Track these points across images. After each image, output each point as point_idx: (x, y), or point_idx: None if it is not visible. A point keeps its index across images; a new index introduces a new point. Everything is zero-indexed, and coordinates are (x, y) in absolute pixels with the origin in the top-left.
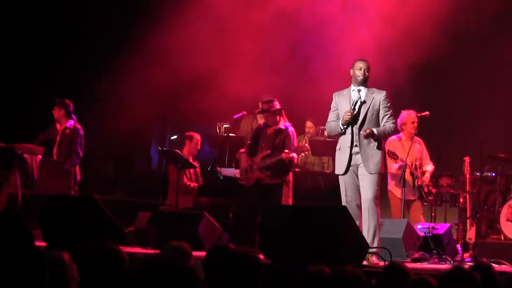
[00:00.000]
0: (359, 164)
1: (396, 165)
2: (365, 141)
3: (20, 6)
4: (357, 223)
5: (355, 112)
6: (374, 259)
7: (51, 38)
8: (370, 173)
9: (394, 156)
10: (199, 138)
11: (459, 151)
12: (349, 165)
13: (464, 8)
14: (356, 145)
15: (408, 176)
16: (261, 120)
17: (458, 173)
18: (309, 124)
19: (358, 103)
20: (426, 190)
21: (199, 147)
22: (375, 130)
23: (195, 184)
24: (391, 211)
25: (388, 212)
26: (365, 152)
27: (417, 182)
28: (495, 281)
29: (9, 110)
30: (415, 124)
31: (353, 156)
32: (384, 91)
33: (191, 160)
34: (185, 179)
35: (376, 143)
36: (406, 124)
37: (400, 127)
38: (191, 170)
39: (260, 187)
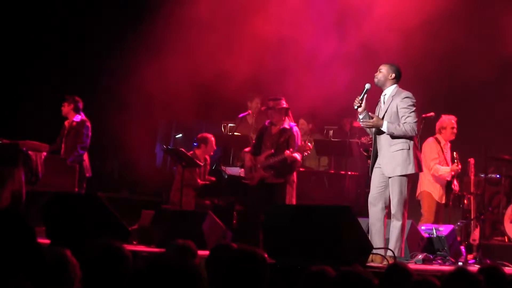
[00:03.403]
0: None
1: (448, 168)
2: (384, 143)
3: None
4: (379, 225)
5: (360, 99)
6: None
7: (55, 34)
8: (390, 176)
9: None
10: (213, 139)
11: (464, 153)
12: (373, 165)
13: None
14: (377, 151)
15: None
16: (251, 119)
17: (462, 174)
18: (302, 121)
19: (364, 92)
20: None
21: (215, 147)
22: (385, 124)
23: (202, 181)
24: (422, 212)
25: (417, 213)
26: (384, 154)
27: (453, 186)
28: (503, 283)
29: (14, 107)
30: (455, 130)
31: (379, 158)
32: (405, 92)
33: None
34: (198, 180)
35: (396, 144)
36: (446, 129)
37: (438, 129)
38: (202, 168)
39: (264, 186)
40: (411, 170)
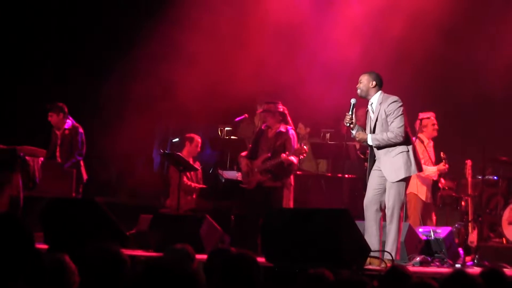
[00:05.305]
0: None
1: (434, 168)
2: (382, 151)
3: (23, 5)
4: (375, 227)
5: (349, 115)
6: None
7: (54, 41)
8: (392, 181)
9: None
10: (199, 140)
11: (461, 154)
12: (370, 169)
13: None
14: (375, 155)
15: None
16: (258, 122)
17: (460, 176)
18: (300, 126)
19: (351, 107)
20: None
21: (199, 149)
22: (369, 137)
23: (196, 184)
24: (408, 214)
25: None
26: (384, 161)
27: (440, 185)
28: (505, 286)
29: (12, 113)
30: (436, 126)
31: (376, 161)
32: (391, 97)
33: (191, 161)
34: (185, 179)
35: (395, 149)
36: (426, 126)
37: (419, 129)
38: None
39: (261, 190)
40: (413, 171)
